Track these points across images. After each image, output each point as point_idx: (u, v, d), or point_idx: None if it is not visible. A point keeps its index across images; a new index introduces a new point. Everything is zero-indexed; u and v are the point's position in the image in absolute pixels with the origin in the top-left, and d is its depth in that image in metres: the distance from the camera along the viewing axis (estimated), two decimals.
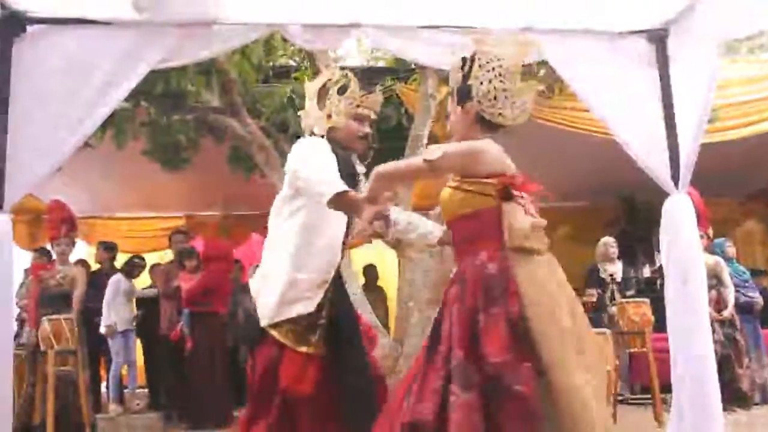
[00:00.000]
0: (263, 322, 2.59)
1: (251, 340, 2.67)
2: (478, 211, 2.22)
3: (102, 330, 7.17)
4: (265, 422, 2.57)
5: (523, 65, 2.31)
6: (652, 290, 6.91)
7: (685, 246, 3.21)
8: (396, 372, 4.76)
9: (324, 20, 3.26)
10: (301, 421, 2.57)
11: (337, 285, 2.68)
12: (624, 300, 6.17)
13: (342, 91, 2.73)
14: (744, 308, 6.55)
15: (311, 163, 2.52)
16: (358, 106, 2.74)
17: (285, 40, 5.15)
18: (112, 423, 6.75)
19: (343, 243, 2.74)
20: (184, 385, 6.24)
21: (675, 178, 3.25)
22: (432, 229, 2.87)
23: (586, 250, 7.49)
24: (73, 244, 6.10)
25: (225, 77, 5.58)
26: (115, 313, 7.22)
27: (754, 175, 8.45)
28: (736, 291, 6.41)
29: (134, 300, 7.56)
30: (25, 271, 7.17)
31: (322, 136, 2.73)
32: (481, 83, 2.27)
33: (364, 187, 2.58)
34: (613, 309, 6.28)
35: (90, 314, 6.57)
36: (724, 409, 3.22)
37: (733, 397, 5.71)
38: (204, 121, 5.97)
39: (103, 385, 7.86)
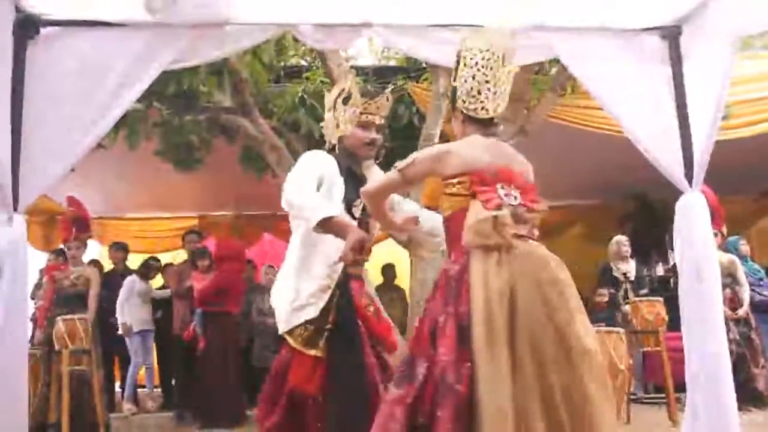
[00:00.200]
0: (280, 331, 2.70)
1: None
2: (454, 212, 2.26)
3: (119, 330, 7.22)
4: (271, 422, 2.66)
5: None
6: (666, 289, 6.89)
7: (699, 244, 3.17)
8: None
9: (335, 20, 3.26)
10: (305, 421, 2.62)
11: (343, 290, 2.70)
12: (637, 299, 6.15)
13: (345, 100, 2.80)
14: (759, 307, 6.48)
15: (296, 187, 2.60)
16: (362, 113, 2.80)
17: (296, 40, 5.17)
18: (125, 422, 6.79)
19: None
20: (197, 385, 6.27)
21: (688, 176, 3.22)
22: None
23: (598, 249, 7.48)
24: (85, 246, 6.15)
25: (237, 77, 5.61)
26: (130, 313, 7.26)
27: None
28: (751, 290, 6.36)
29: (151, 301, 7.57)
30: (40, 271, 7.24)
31: (334, 146, 2.85)
32: (465, 81, 2.32)
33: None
34: (627, 308, 6.27)
35: (104, 314, 6.62)
36: (740, 409, 3.19)
37: (749, 396, 5.68)
38: (216, 122, 6.00)
39: (117, 384, 7.92)
